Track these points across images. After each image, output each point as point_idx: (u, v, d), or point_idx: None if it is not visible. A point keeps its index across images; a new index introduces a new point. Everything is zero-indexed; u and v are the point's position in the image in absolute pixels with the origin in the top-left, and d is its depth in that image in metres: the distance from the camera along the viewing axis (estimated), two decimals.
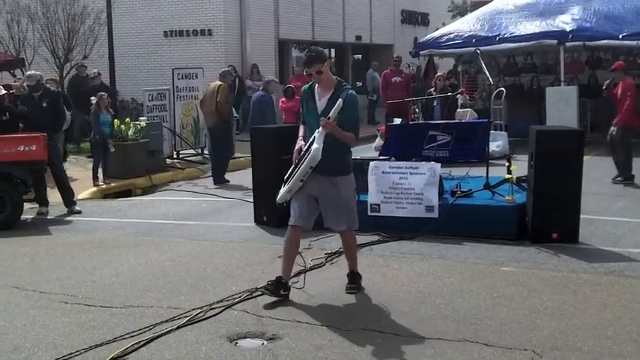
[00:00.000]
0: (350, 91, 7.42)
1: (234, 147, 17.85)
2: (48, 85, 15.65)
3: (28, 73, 14.82)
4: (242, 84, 25.69)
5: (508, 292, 7.72)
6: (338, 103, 7.14)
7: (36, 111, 13.25)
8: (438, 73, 21.20)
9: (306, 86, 7.72)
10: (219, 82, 16.13)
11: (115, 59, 20.53)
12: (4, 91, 13.22)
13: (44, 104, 13.38)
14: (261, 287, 7.62)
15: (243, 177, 15.49)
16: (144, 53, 27.58)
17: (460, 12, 37.13)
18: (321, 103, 7.45)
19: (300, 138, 7.66)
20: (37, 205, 13.08)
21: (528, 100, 22.13)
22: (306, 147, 7.39)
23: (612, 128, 14.53)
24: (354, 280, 7.92)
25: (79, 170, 17.69)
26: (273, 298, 7.45)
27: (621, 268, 8.60)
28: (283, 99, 19.55)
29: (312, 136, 7.30)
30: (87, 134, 19.69)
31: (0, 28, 24.05)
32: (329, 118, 7.12)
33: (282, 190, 7.57)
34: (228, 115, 16.34)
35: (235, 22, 27.64)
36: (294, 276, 7.84)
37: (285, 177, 7.61)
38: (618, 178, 14.33)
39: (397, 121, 17.70)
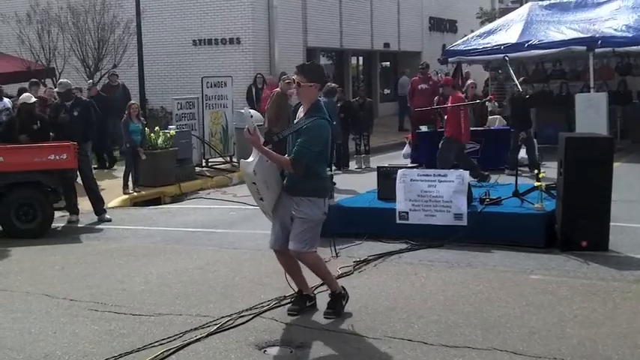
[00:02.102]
0: (315, 120, 7.01)
1: None
2: (80, 95, 15.79)
3: (60, 81, 14.97)
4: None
5: (537, 301, 7.68)
6: (245, 111, 7.13)
7: (67, 120, 13.37)
8: (469, 81, 21.12)
9: (297, 102, 7.62)
10: (279, 90, 16.28)
11: (144, 68, 20.69)
12: (34, 99, 13.34)
13: (75, 113, 13.50)
14: (288, 310, 7.49)
15: None
16: (173, 62, 27.73)
17: (488, 18, 36.99)
18: (298, 117, 7.30)
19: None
20: (68, 214, 13.18)
21: (557, 107, 22.02)
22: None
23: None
24: (335, 300, 7.45)
25: (109, 178, 17.81)
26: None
27: None
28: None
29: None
30: (117, 142, 19.86)
31: (31, 38, 24.29)
32: (248, 129, 6.95)
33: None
34: (287, 120, 16.28)
35: (264, 31, 27.72)
36: (321, 284, 7.84)
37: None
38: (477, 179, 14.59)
39: (424, 128, 17.67)
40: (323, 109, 7.22)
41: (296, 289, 7.61)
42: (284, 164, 7.07)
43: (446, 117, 15.16)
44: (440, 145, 14.84)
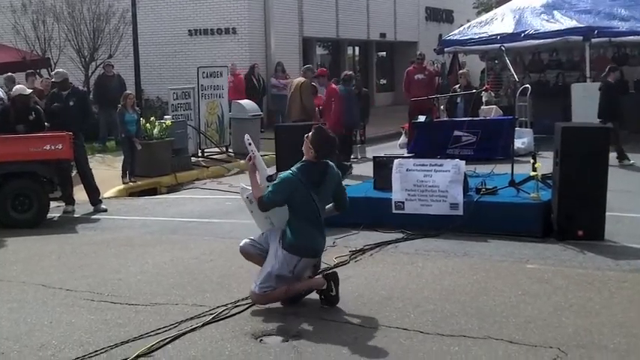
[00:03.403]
0: (285, 173, 7.35)
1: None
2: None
3: (56, 70, 14.93)
4: (265, 82, 25.74)
5: (533, 290, 7.69)
6: (245, 139, 7.47)
7: (63, 109, 13.34)
8: (461, 70, 21.13)
9: None
10: (302, 79, 16.36)
11: (139, 58, 20.64)
12: (29, 91, 13.31)
13: (71, 103, 13.46)
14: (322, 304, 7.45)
15: None
16: (168, 52, 27.68)
17: (485, 8, 36.97)
18: None
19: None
20: (64, 204, 13.17)
21: (554, 97, 22.00)
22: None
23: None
24: (325, 297, 7.41)
25: (105, 169, 17.77)
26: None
27: None
28: None
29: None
30: (112, 133, 19.84)
31: (26, 28, 24.20)
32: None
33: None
34: (313, 109, 16.49)
35: (259, 21, 27.68)
36: (318, 273, 7.83)
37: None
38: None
39: (422, 118, 17.66)
40: (303, 167, 7.31)
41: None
42: (256, 195, 7.29)
43: (322, 108, 15.54)
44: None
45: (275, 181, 7.24)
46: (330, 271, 7.60)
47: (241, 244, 7.54)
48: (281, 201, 7.18)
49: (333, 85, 15.69)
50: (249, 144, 7.45)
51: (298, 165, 7.30)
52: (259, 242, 7.46)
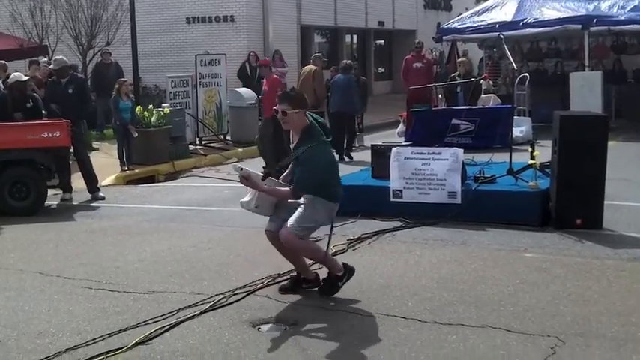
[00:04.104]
0: (312, 146, 6.93)
1: None
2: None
3: (54, 58, 14.88)
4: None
5: (531, 279, 7.70)
6: (234, 167, 7.33)
7: (62, 97, 13.31)
8: (460, 59, 21.08)
9: None
10: (313, 66, 16.73)
11: (137, 46, 20.55)
12: (26, 77, 13.27)
13: (70, 90, 13.42)
14: (280, 288, 7.50)
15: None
16: (166, 40, 27.63)
17: None
18: (293, 147, 7.21)
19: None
20: (61, 192, 13.15)
21: (552, 86, 21.99)
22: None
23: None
24: (327, 283, 7.39)
25: (103, 157, 17.75)
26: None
27: None
28: None
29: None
30: (110, 121, 19.79)
31: (23, 15, 24.11)
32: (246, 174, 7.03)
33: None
34: (324, 97, 17.07)
35: (257, 9, 27.62)
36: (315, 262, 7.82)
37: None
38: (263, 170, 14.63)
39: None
40: (315, 131, 7.06)
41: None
42: (280, 197, 7.14)
43: (262, 97, 15.62)
44: (258, 128, 15.37)
45: (308, 164, 6.91)
46: (351, 265, 7.50)
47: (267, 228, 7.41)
48: (321, 177, 7.04)
49: (275, 76, 15.77)
50: (240, 169, 7.15)
51: (307, 132, 7.02)
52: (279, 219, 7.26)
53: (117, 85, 16.25)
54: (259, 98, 16.87)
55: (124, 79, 17.09)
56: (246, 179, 6.98)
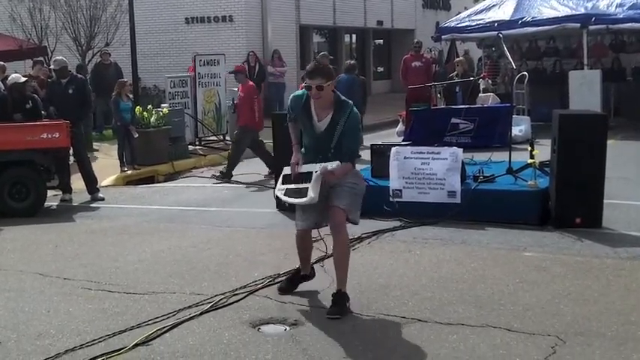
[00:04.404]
0: (351, 112, 6.82)
1: None
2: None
3: (54, 58, 14.88)
4: (262, 70, 25.69)
5: (531, 278, 7.70)
6: (336, 164, 6.69)
7: (62, 97, 13.31)
8: (458, 58, 21.09)
9: (298, 96, 7.08)
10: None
11: (136, 46, 20.56)
12: (24, 79, 13.27)
13: (70, 91, 13.41)
14: (279, 288, 7.43)
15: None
16: (165, 40, 27.61)
17: None
18: (320, 125, 6.88)
19: (296, 146, 7.09)
20: (61, 193, 13.14)
21: (551, 85, 21.99)
22: (304, 169, 6.89)
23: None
24: (340, 299, 6.90)
25: (102, 157, 17.77)
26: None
27: None
28: (302, 85, 19.55)
29: (311, 167, 6.81)
30: (109, 121, 19.79)
31: (22, 16, 24.12)
32: (331, 170, 6.68)
33: (281, 191, 7.16)
34: None
35: (256, 8, 27.60)
36: (316, 262, 7.82)
37: (286, 173, 7.15)
38: (219, 174, 14.92)
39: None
40: (344, 100, 6.94)
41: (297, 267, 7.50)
42: (347, 173, 6.89)
43: (237, 103, 15.50)
44: (236, 135, 15.18)
45: (354, 132, 6.82)
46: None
47: (302, 228, 7.16)
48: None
49: (251, 82, 15.69)
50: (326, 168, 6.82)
51: (341, 102, 6.87)
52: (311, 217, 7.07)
53: (117, 86, 16.26)
54: (234, 104, 16.60)
55: (125, 80, 17.11)
56: (332, 174, 6.72)
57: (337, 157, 6.78)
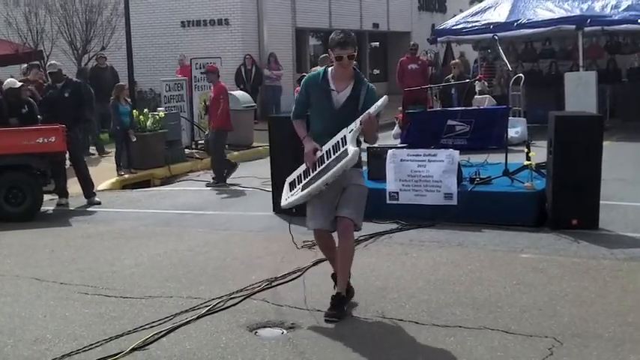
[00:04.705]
0: (369, 85, 6.82)
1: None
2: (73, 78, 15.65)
3: (49, 63, 14.87)
4: (259, 73, 25.70)
5: (528, 279, 7.70)
6: (383, 99, 6.53)
7: (59, 101, 13.29)
8: (454, 61, 21.10)
9: (315, 75, 7.05)
10: (321, 68, 16.62)
11: (132, 50, 20.55)
12: (19, 84, 13.26)
13: (66, 95, 13.40)
14: (327, 318, 6.77)
15: (261, 166, 15.48)
16: (161, 43, 27.58)
17: None
18: (340, 96, 6.77)
19: (307, 137, 6.95)
20: (57, 197, 13.13)
21: (547, 86, 22.01)
22: (329, 147, 6.72)
23: (207, 132, 15.16)
24: (339, 303, 6.82)
25: (99, 161, 17.75)
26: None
27: None
28: (298, 88, 19.58)
29: (341, 135, 6.66)
30: (105, 125, 19.78)
31: (18, 20, 24.11)
32: (369, 114, 6.48)
33: (294, 195, 6.94)
34: None
35: (252, 12, 27.60)
36: (312, 265, 7.82)
37: (291, 180, 7.10)
38: (213, 181, 14.77)
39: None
40: (358, 70, 6.98)
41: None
42: (377, 128, 6.75)
43: (208, 105, 15.35)
44: (210, 139, 15.00)
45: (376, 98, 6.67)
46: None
47: (317, 227, 6.91)
48: None
49: (222, 84, 15.62)
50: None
51: (359, 74, 6.90)
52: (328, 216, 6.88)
53: (116, 90, 16.28)
54: (205, 106, 16.38)
55: (123, 84, 17.11)
56: (371, 118, 6.50)
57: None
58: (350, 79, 6.82)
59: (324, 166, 6.68)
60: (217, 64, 20.26)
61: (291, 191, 7.04)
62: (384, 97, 6.63)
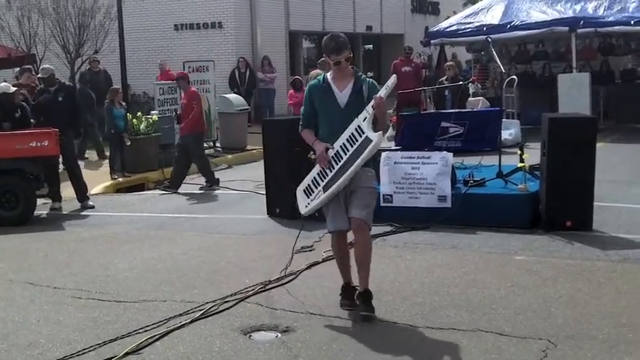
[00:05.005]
0: (369, 80, 6.92)
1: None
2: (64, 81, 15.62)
3: (42, 67, 14.84)
4: (253, 76, 25.69)
5: (522, 281, 7.70)
6: (392, 79, 6.75)
7: (52, 105, 13.26)
8: (448, 63, 21.12)
9: (315, 82, 7.08)
10: (320, 71, 16.59)
11: (125, 53, 20.55)
12: (13, 89, 13.23)
13: (60, 98, 13.37)
14: (342, 306, 7.02)
15: (255, 169, 15.48)
16: (155, 47, 27.54)
17: (471, 0, 36.96)
18: (342, 95, 6.82)
19: (317, 140, 6.91)
20: (51, 201, 13.10)
21: (540, 88, 22.04)
22: (343, 141, 6.71)
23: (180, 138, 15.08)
24: (368, 299, 6.89)
25: (92, 165, 17.72)
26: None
27: (636, 255, 8.57)
28: (291, 92, 19.60)
29: (354, 126, 6.64)
30: (99, 129, 19.73)
31: (11, 24, 24.08)
32: (380, 97, 6.57)
33: (316, 199, 6.89)
34: None
35: (245, 15, 27.58)
36: (307, 268, 7.81)
37: (305, 186, 7.02)
38: (207, 185, 14.72)
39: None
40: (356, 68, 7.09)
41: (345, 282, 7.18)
42: (386, 111, 6.83)
43: (180, 113, 15.25)
44: (190, 145, 14.75)
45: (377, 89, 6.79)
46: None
47: (338, 229, 6.95)
48: None
49: (193, 89, 15.56)
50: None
51: (357, 73, 7.00)
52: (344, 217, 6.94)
53: (110, 94, 16.26)
54: (176, 115, 16.20)
55: (117, 87, 17.09)
56: (382, 99, 6.58)
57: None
58: (350, 77, 6.94)
59: (342, 162, 6.72)
60: (211, 67, 20.40)
61: (309, 197, 7.00)
62: (393, 76, 6.82)
